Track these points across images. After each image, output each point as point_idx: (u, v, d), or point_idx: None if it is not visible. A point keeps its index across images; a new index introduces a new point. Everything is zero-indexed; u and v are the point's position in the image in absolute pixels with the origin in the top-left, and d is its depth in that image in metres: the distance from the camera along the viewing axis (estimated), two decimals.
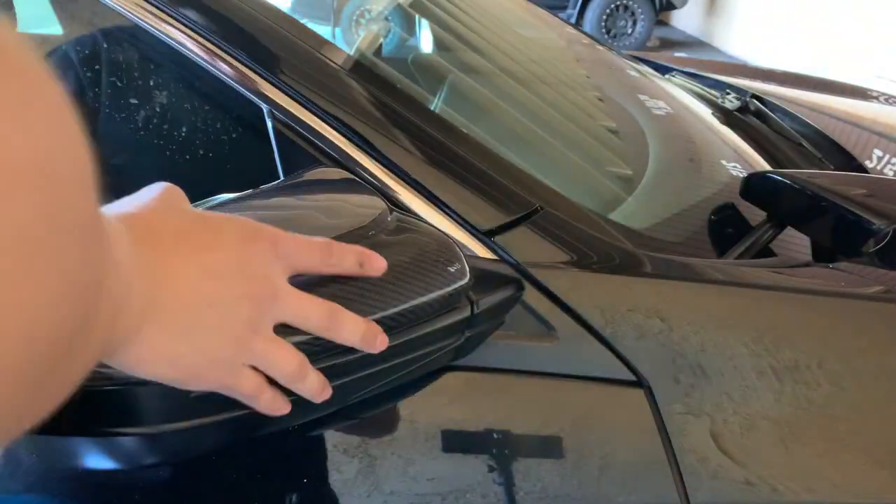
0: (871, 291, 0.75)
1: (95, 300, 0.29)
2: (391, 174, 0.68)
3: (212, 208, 0.55)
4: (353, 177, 0.57)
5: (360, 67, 0.90)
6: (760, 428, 0.66)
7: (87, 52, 0.74)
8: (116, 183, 0.75)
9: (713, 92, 1.71)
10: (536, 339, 0.65)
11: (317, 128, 0.68)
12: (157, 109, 0.74)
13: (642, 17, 7.25)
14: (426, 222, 0.65)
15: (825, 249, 0.91)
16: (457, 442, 0.65)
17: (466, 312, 0.57)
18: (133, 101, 0.74)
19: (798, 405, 0.66)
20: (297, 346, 0.46)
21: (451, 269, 0.54)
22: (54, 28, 0.76)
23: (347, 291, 0.49)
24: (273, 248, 0.44)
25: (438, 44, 1.43)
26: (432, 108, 1.04)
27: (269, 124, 0.68)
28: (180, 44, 0.70)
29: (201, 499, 0.73)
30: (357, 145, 0.68)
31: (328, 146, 0.68)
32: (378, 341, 0.49)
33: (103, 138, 0.74)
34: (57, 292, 0.25)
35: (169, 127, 0.74)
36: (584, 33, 1.99)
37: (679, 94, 1.57)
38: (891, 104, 1.77)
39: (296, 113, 0.68)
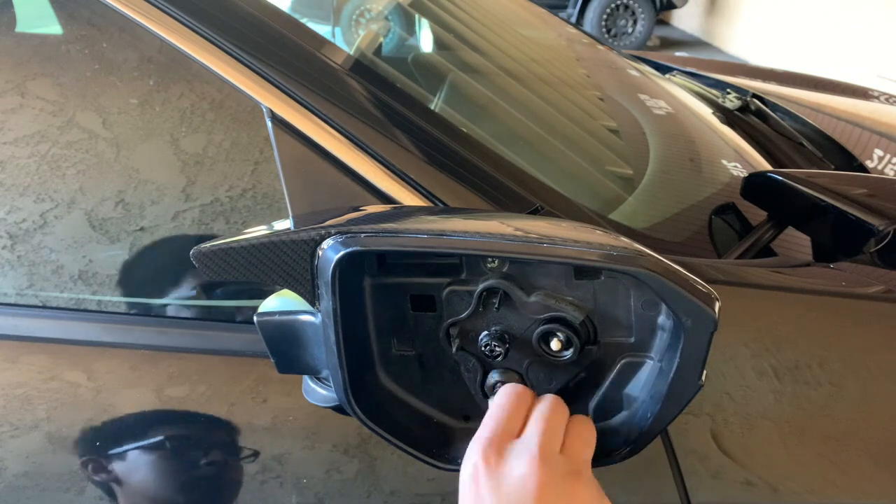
0: (871, 291, 0.75)
1: None
2: (391, 174, 0.68)
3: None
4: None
5: (360, 67, 0.90)
6: (760, 428, 0.66)
7: (87, 51, 0.74)
8: (117, 183, 0.75)
9: (714, 91, 1.71)
10: None
11: (317, 128, 0.68)
12: (157, 109, 0.74)
13: (643, 16, 7.25)
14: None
15: (825, 249, 0.91)
16: None
17: None
18: (133, 100, 0.74)
19: (798, 405, 0.66)
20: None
21: None
22: (54, 28, 0.76)
23: None
24: None
25: (438, 43, 1.43)
26: (432, 108, 1.04)
27: (269, 124, 0.68)
28: (180, 44, 0.70)
29: (202, 501, 0.73)
30: (357, 145, 0.68)
31: (328, 146, 0.68)
32: None
33: (104, 138, 0.74)
34: None
35: (169, 126, 0.74)
36: (585, 33, 1.99)
37: (680, 94, 1.57)
38: (892, 104, 1.76)
39: (296, 113, 0.68)
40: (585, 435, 0.53)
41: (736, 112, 1.56)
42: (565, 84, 1.38)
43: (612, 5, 7.21)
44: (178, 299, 0.77)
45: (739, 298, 0.70)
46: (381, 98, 0.77)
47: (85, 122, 0.74)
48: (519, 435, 0.50)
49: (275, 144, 0.67)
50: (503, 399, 0.53)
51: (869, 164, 1.36)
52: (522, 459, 0.47)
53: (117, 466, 0.72)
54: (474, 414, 0.60)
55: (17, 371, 0.74)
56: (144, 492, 0.72)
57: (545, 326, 0.56)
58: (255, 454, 0.70)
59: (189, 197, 0.74)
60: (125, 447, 0.72)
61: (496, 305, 0.56)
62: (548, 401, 0.53)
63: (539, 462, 0.47)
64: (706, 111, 1.52)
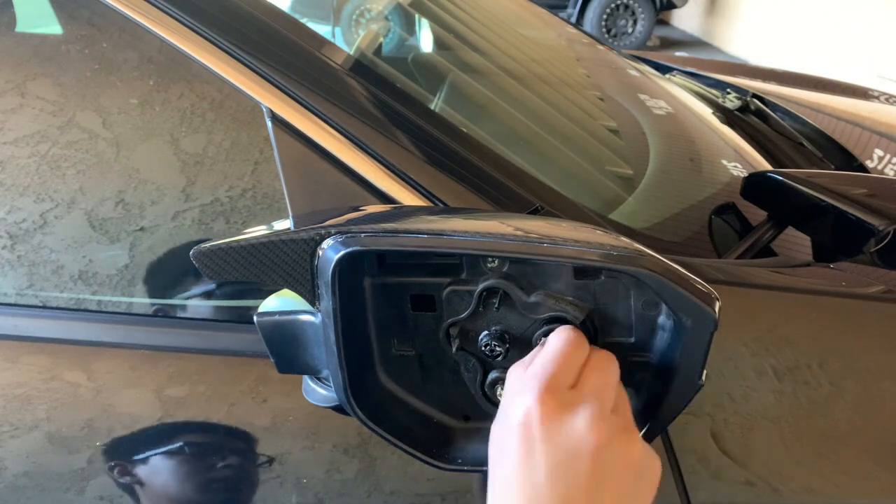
0: (871, 291, 0.75)
1: None
2: (391, 174, 0.68)
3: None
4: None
5: (360, 67, 0.90)
6: (760, 428, 0.66)
7: (87, 51, 0.74)
8: (117, 183, 0.75)
9: (714, 91, 1.71)
10: None
11: (317, 128, 0.68)
12: (157, 109, 0.74)
13: (643, 16, 7.25)
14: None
15: (825, 249, 0.91)
16: None
17: None
18: (133, 100, 0.74)
19: (798, 405, 0.66)
20: None
21: None
22: (54, 28, 0.76)
23: None
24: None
25: (438, 43, 1.43)
26: (432, 108, 1.04)
27: (269, 124, 0.68)
28: (180, 44, 0.70)
29: (201, 501, 0.73)
30: (357, 145, 0.68)
31: (328, 146, 0.68)
32: None
33: (104, 138, 0.74)
34: None
35: (169, 126, 0.74)
36: (585, 33, 1.99)
37: (680, 94, 1.57)
38: (892, 104, 1.76)
39: (296, 113, 0.68)
40: (624, 394, 0.51)
41: (736, 112, 1.56)
42: (565, 84, 1.38)
43: (612, 5, 7.21)
44: (178, 299, 0.77)
45: (739, 298, 0.70)
46: (381, 98, 0.77)
47: (85, 122, 0.74)
48: (574, 384, 0.48)
49: (275, 144, 0.68)
50: (562, 343, 0.50)
51: (869, 164, 1.36)
52: (583, 415, 0.45)
53: (117, 466, 0.72)
54: (474, 414, 0.60)
55: (17, 371, 0.74)
56: (144, 491, 0.72)
57: (545, 326, 0.56)
58: (256, 454, 0.70)
59: (189, 197, 0.74)
60: (125, 447, 0.72)
61: (496, 305, 0.56)
62: (606, 357, 0.51)
63: (600, 421, 0.45)
64: (706, 111, 1.52)
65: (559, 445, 0.44)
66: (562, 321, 0.55)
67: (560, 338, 0.50)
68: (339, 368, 0.55)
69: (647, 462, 0.47)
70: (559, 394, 0.46)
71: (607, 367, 0.50)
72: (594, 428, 0.45)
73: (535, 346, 0.56)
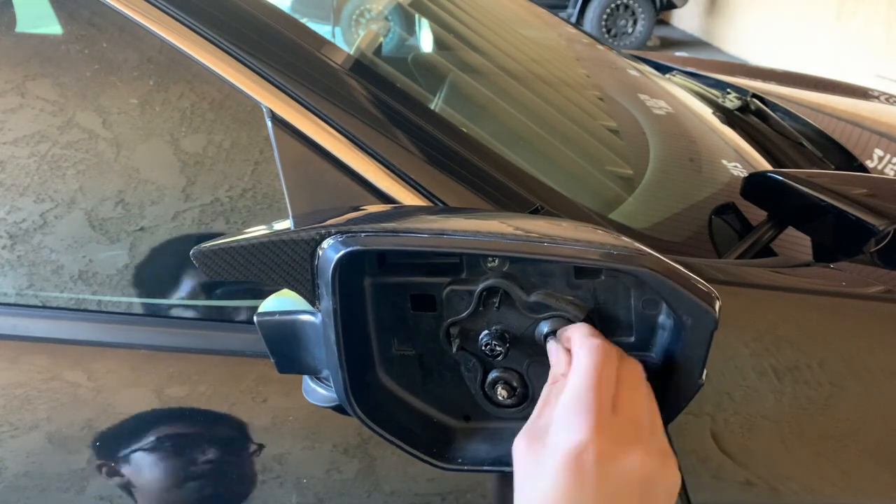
0: (871, 291, 0.75)
1: None
2: (391, 174, 0.68)
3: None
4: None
5: (360, 67, 0.90)
6: (760, 428, 0.66)
7: (87, 51, 0.74)
8: (117, 183, 0.75)
9: (714, 91, 1.71)
10: None
11: (317, 128, 0.68)
12: (157, 109, 0.74)
13: (643, 16, 7.25)
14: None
15: (826, 249, 0.91)
16: None
17: None
18: (133, 100, 0.74)
19: (798, 405, 0.66)
20: None
21: None
22: (54, 28, 0.76)
23: None
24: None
25: (438, 43, 1.43)
26: (432, 108, 1.04)
27: (269, 124, 0.68)
28: (180, 44, 0.70)
29: (204, 499, 0.73)
30: (357, 145, 0.68)
31: (328, 146, 0.68)
32: None
33: (104, 138, 0.74)
34: None
35: (169, 126, 0.74)
36: (585, 33, 1.99)
37: (680, 94, 1.57)
38: (892, 104, 1.76)
39: (296, 113, 0.68)
40: (654, 404, 0.50)
41: (736, 112, 1.56)
42: (565, 84, 1.38)
43: (612, 5, 7.21)
44: (178, 299, 0.77)
45: (739, 298, 0.70)
46: (381, 98, 0.77)
47: (85, 122, 0.74)
48: (614, 406, 0.46)
49: (275, 144, 0.68)
50: (596, 360, 0.48)
51: (869, 164, 1.36)
52: (634, 453, 0.45)
53: (117, 466, 0.72)
54: (475, 414, 0.60)
55: (17, 371, 0.74)
56: (144, 492, 0.72)
57: (548, 326, 0.56)
58: (255, 454, 0.70)
59: (189, 197, 0.74)
60: (125, 447, 0.72)
61: (496, 305, 0.56)
62: (634, 369, 0.49)
63: (646, 456, 0.45)
64: (706, 111, 1.52)
65: (611, 482, 0.44)
66: (562, 321, 0.55)
67: (592, 355, 0.48)
68: (340, 368, 0.55)
69: (676, 478, 0.47)
70: (609, 426, 0.45)
71: (639, 380, 0.49)
72: (643, 463, 0.45)
73: (547, 346, 0.56)
